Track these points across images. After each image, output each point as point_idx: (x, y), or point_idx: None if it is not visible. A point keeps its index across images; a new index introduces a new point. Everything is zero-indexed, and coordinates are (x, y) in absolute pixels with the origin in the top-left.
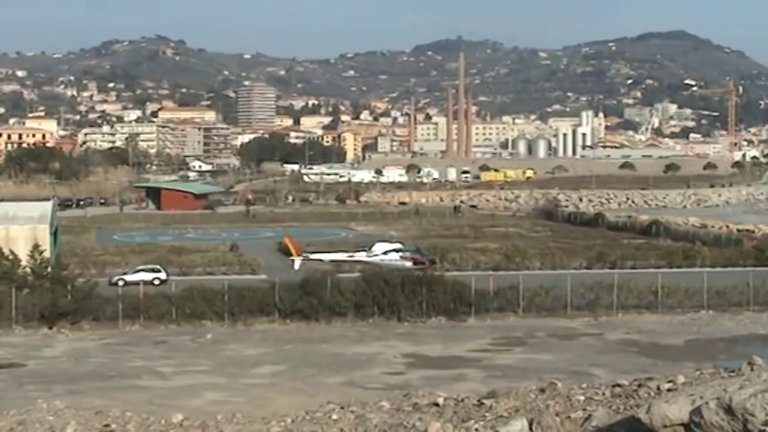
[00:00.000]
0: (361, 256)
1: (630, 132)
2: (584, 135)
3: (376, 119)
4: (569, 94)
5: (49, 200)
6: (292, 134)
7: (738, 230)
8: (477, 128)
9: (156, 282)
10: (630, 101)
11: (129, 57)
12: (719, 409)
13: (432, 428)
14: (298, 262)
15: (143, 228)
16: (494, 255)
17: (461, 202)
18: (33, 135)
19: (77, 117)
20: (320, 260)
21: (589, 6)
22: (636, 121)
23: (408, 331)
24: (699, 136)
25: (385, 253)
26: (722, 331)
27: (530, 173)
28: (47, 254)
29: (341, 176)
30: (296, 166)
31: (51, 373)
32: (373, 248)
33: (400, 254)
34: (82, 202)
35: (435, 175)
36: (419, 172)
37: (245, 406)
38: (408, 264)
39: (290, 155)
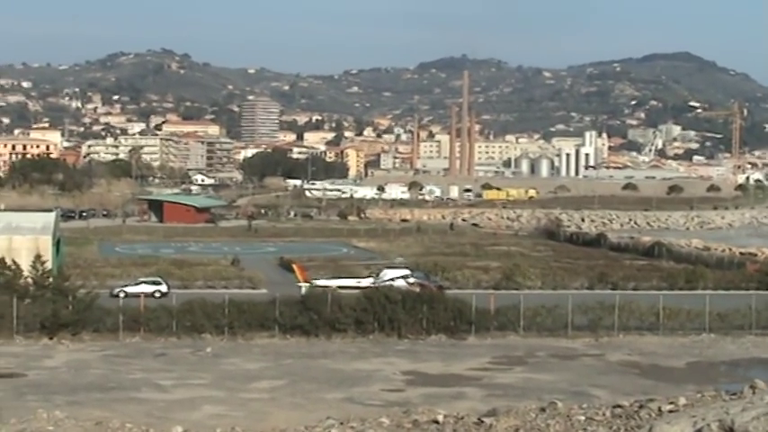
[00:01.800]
0: (368, 282)
1: (634, 153)
2: (587, 155)
3: (379, 135)
4: (573, 113)
5: (52, 211)
6: (295, 149)
7: (741, 253)
8: (480, 146)
9: (158, 294)
10: (634, 122)
11: (134, 69)
12: (721, 430)
13: None
14: (304, 288)
15: (145, 240)
16: (495, 273)
17: (463, 219)
18: (37, 146)
19: (81, 129)
20: (327, 287)
21: (594, 27)
22: (639, 142)
23: (408, 348)
24: (702, 158)
25: (392, 279)
26: (724, 354)
27: (532, 192)
28: (49, 264)
29: (343, 192)
30: (298, 182)
31: (52, 384)
32: (381, 274)
33: (408, 280)
34: (85, 214)
35: (437, 192)
36: (421, 189)
37: (245, 420)
38: (416, 290)
39: (292, 170)
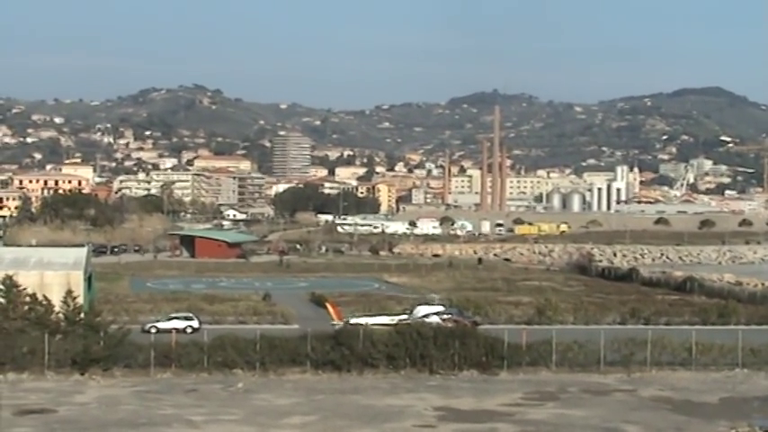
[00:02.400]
0: (402, 319)
1: (665, 188)
2: (618, 190)
3: (410, 171)
4: (604, 148)
5: (83, 246)
6: (327, 185)
7: None
8: (512, 181)
9: (189, 330)
10: (665, 156)
11: (166, 105)
12: None
13: None
14: (339, 327)
15: (177, 276)
16: (527, 308)
17: (495, 254)
18: (69, 181)
19: (113, 164)
20: (361, 325)
21: (625, 62)
22: (671, 176)
23: (440, 384)
24: (734, 192)
25: (426, 316)
26: (757, 390)
27: (564, 227)
28: (80, 300)
29: (375, 227)
30: (330, 217)
31: (82, 420)
32: (415, 311)
33: (442, 316)
34: (116, 249)
35: (469, 227)
36: (453, 224)
37: None
38: (449, 326)
39: (324, 205)
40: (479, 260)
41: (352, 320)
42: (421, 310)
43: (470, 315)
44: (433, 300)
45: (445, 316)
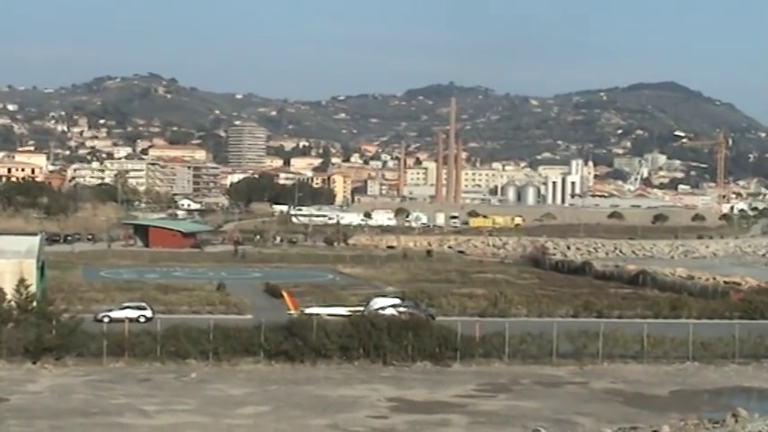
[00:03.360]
0: (358, 311)
1: (620, 182)
2: (573, 183)
3: (366, 162)
4: (559, 142)
5: (36, 234)
6: (282, 175)
7: (725, 282)
8: (467, 173)
9: (142, 319)
10: (620, 150)
11: (121, 93)
12: None
13: None
14: (293, 317)
15: (130, 265)
16: (481, 300)
17: (449, 246)
18: (23, 169)
19: (67, 152)
20: (317, 314)
21: (581, 56)
22: (625, 170)
23: (393, 375)
24: (688, 187)
25: (383, 308)
26: (707, 383)
27: (518, 220)
28: (33, 288)
29: (330, 219)
30: (285, 207)
31: (34, 409)
32: (371, 303)
33: (399, 309)
34: (69, 238)
35: (424, 219)
36: (408, 216)
37: None
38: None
39: (279, 196)
40: (428, 252)
41: (308, 310)
42: (377, 303)
43: (426, 309)
44: (389, 292)
45: (401, 309)
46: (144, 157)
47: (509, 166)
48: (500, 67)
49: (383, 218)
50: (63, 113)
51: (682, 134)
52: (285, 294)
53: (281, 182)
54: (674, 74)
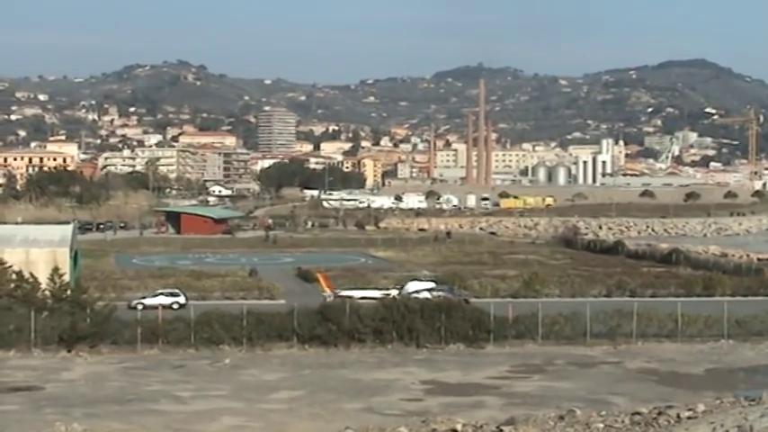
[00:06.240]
0: (393, 294)
1: (651, 160)
2: (604, 163)
3: (396, 145)
4: (589, 121)
5: (69, 223)
6: (312, 160)
7: (759, 259)
8: (497, 155)
9: (176, 306)
10: (651, 129)
11: (151, 81)
12: None
13: None
14: (329, 298)
15: (162, 252)
16: (513, 282)
17: (480, 228)
18: (54, 159)
19: (98, 141)
20: (351, 297)
21: (610, 35)
22: (656, 149)
23: (427, 358)
24: (719, 164)
25: (417, 292)
26: (742, 361)
27: (549, 200)
28: (66, 277)
29: (360, 202)
30: (315, 192)
31: (69, 397)
32: (406, 286)
33: (433, 293)
34: (102, 226)
35: (455, 201)
36: (439, 198)
37: (263, 431)
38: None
39: (309, 180)
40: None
41: (342, 292)
42: (412, 286)
43: (461, 293)
44: (423, 276)
45: (436, 293)
46: (174, 144)
47: (539, 146)
48: (528, 48)
49: (414, 201)
50: (93, 102)
51: (712, 111)
52: (320, 277)
53: (312, 166)
54: (704, 51)
